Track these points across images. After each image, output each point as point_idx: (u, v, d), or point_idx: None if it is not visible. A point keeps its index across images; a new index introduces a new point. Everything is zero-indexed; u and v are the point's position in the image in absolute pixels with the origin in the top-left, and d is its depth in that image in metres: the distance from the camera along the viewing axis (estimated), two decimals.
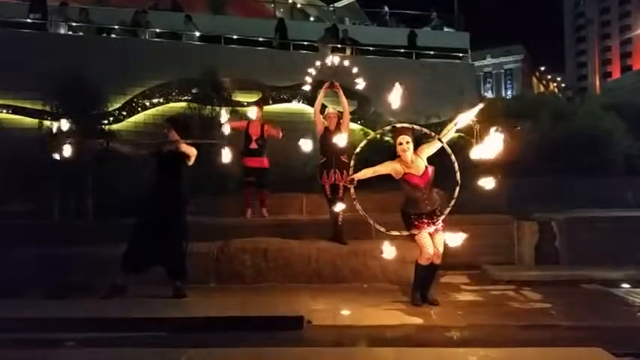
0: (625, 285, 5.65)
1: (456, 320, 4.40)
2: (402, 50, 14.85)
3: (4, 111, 10.78)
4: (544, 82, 75.98)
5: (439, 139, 4.68)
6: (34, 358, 3.57)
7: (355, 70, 6.85)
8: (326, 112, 6.53)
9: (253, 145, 7.29)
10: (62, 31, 12.21)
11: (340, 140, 5.29)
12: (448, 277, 6.15)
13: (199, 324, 4.24)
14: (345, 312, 4.68)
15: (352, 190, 4.63)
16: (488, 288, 5.65)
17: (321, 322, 4.35)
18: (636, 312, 4.72)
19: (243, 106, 11.39)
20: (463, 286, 5.81)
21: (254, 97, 12.05)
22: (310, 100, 12.30)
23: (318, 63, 7.10)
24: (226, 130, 7.13)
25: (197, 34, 13.07)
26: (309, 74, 7.17)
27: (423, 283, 4.86)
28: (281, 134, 7.32)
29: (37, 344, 3.81)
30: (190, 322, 4.28)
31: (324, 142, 6.30)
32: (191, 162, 5.17)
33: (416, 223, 4.73)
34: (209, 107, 11.01)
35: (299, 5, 22.07)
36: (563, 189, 8.85)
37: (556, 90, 71.42)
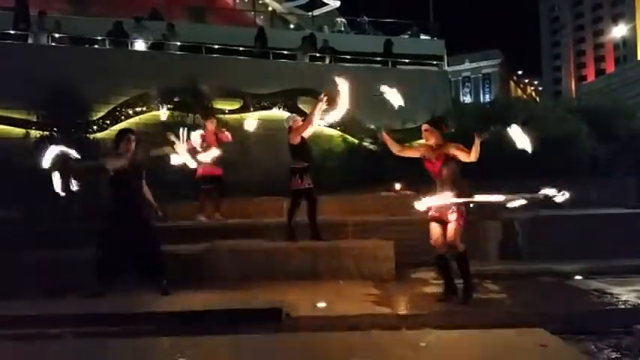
0: (577, 277, 6.17)
1: (420, 308, 4.85)
2: (379, 58, 15.32)
3: None
4: (521, 85, 77.59)
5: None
6: (35, 350, 3.90)
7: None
8: (296, 119, 7.02)
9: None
10: (44, 41, 12.44)
11: None
12: (420, 272, 6.61)
13: (184, 317, 4.62)
14: (321, 304, 5.07)
15: None
16: (455, 282, 6.08)
17: (298, 313, 4.75)
18: (581, 299, 5.22)
19: (225, 113, 11.76)
20: (432, 280, 6.25)
21: (235, 105, 12.42)
22: (290, 107, 12.75)
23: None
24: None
25: (178, 43, 13.37)
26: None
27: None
28: (229, 136, 8.00)
29: (38, 338, 4.15)
30: (176, 315, 4.65)
31: (305, 148, 6.79)
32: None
33: None
34: (191, 115, 11.42)
35: (279, 13, 22.51)
36: (529, 190, 9.34)
37: (533, 93, 73.08)
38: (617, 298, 5.14)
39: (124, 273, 5.47)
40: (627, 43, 59.40)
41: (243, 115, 12.22)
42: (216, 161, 7.93)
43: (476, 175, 7.24)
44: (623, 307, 4.87)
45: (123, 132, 5.78)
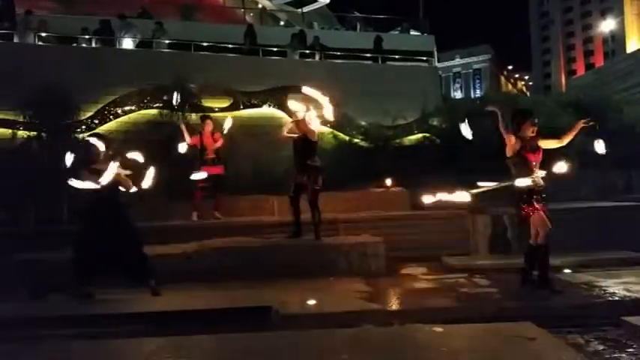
0: (567, 270, 6.19)
1: (410, 304, 4.86)
2: (369, 55, 15.30)
3: None
4: (512, 80, 77.93)
5: None
6: (24, 352, 3.86)
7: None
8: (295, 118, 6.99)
9: (211, 155, 8.20)
10: (30, 40, 12.30)
11: None
12: (410, 268, 6.63)
13: (174, 317, 4.59)
14: (311, 302, 5.06)
15: None
16: (444, 276, 6.12)
17: (288, 311, 4.74)
18: (569, 292, 5.24)
19: (214, 111, 11.68)
20: (421, 275, 6.28)
21: (225, 103, 12.35)
22: (280, 105, 12.70)
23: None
24: (183, 149, 8.18)
25: (167, 41, 13.26)
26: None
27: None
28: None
29: (26, 340, 4.12)
30: (165, 315, 4.63)
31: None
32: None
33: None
34: (180, 113, 11.35)
35: (269, 10, 22.41)
36: None
37: (524, 88, 73.41)
38: (604, 290, 5.17)
39: (102, 274, 5.28)
40: (616, 37, 59.74)
41: (233, 112, 12.17)
42: (216, 160, 8.17)
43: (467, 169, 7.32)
44: (610, 299, 4.89)
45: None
